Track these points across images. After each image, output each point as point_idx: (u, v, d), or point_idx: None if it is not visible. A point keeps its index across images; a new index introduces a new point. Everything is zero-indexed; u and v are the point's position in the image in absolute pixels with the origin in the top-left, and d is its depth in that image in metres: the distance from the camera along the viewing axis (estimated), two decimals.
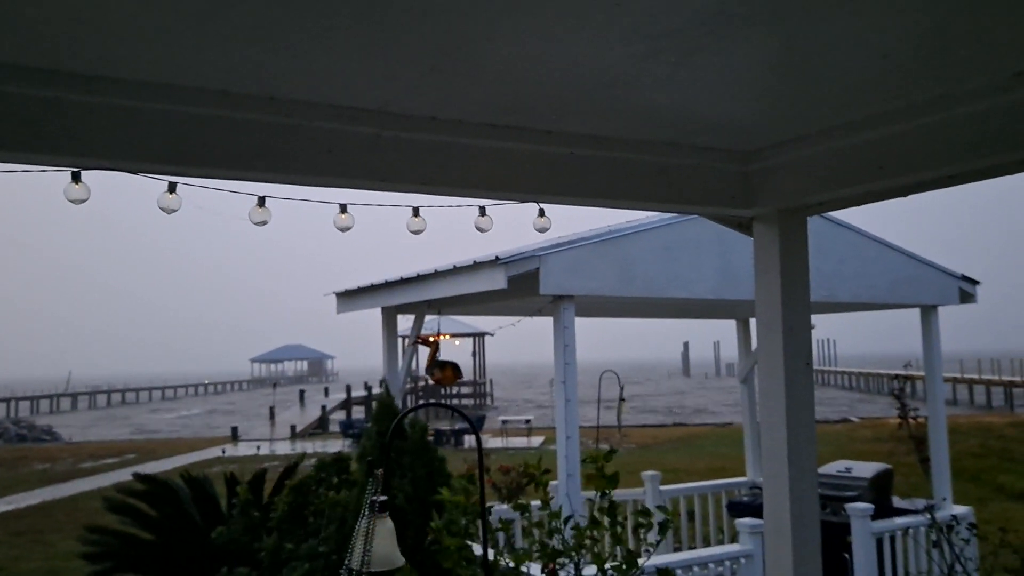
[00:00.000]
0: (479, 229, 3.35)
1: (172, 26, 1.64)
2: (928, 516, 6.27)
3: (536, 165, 2.40)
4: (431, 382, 6.97)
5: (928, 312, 7.76)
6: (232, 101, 2.00)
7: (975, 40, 1.85)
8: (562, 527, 4.22)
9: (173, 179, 2.57)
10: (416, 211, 3.40)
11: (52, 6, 1.52)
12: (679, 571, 5.57)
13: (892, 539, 6.83)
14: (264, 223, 2.91)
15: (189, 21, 1.62)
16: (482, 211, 3.36)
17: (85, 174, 2.40)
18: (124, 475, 18.07)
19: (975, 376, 47.15)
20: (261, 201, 2.95)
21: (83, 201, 2.38)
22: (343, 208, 3.22)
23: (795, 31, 1.78)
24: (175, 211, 2.59)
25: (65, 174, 2.34)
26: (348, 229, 3.22)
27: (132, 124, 1.93)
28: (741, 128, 2.49)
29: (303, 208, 5.61)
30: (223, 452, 25.74)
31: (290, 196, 2.97)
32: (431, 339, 6.81)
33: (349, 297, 8.69)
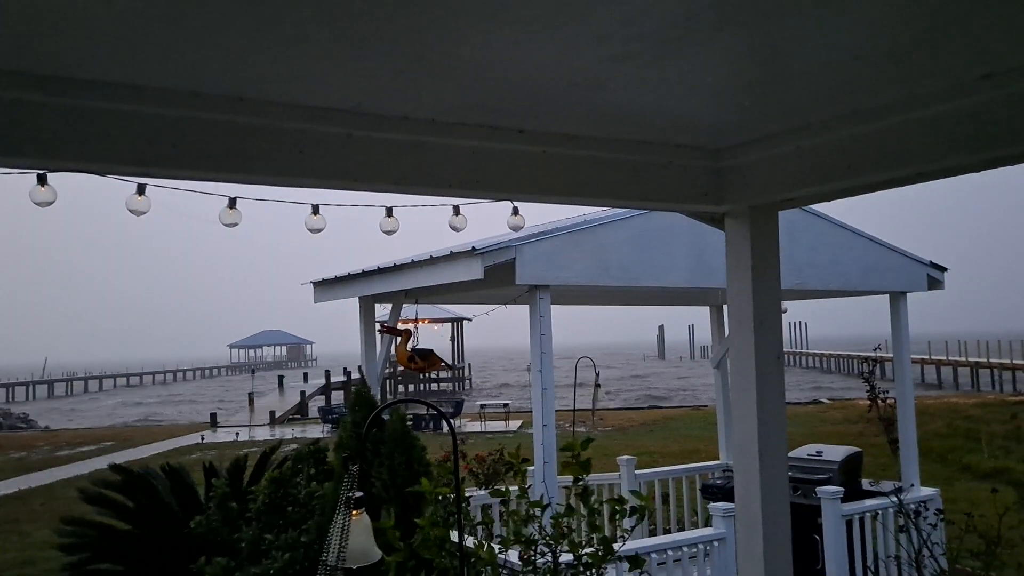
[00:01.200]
0: (453, 228, 3.35)
1: (141, 27, 1.63)
2: (896, 500, 6.40)
3: (509, 164, 2.41)
4: (410, 369, 6.97)
5: (897, 298, 7.88)
6: (202, 102, 1.99)
7: (942, 43, 1.88)
8: (539, 515, 4.27)
9: (142, 180, 2.54)
10: (389, 211, 3.40)
11: (15, 6, 1.50)
12: (654, 555, 5.64)
13: (861, 521, 6.96)
14: (235, 225, 2.89)
15: (158, 22, 1.61)
16: (456, 210, 3.36)
17: (52, 175, 2.37)
18: (101, 463, 17.95)
19: (943, 358, 47.93)
20: (232, 203, 2.92)
21: (50, 204, 2.34)
22: (315, 209, 3.20)
23: (764, 34, 1.80)
24: (144, 213, 2.56)
25: (30, 176, 2.31)
26: (320, 231, 3.21)
27: (100, 126, 1.91)
28: (712, 126, 2.51)
29: (277, 205, 5.55)
30: (202, 439, 25.62)
31: (262, 197, 2.95)
32: (400, 328, 6.79)
33: (326, 286, 8.66)
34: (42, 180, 2.36)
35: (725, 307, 9.03)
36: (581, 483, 4.16)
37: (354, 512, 2.50)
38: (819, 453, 7.90)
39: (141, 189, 2.59)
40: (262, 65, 1.86)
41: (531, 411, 6.54)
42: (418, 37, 1.72)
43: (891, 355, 8.25)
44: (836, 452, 7.91)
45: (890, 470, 10.81)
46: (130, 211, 2.56)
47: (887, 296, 7.96)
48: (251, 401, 39.78)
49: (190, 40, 1.70)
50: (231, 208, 2.92)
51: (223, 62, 1.83)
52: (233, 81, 1.95)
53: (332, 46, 1.76)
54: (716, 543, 6.09)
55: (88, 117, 1.89)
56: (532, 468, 6.06)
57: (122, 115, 1.91)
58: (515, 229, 3.57)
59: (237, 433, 27.03)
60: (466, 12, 1.60)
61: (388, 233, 3.41)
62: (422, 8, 1.58)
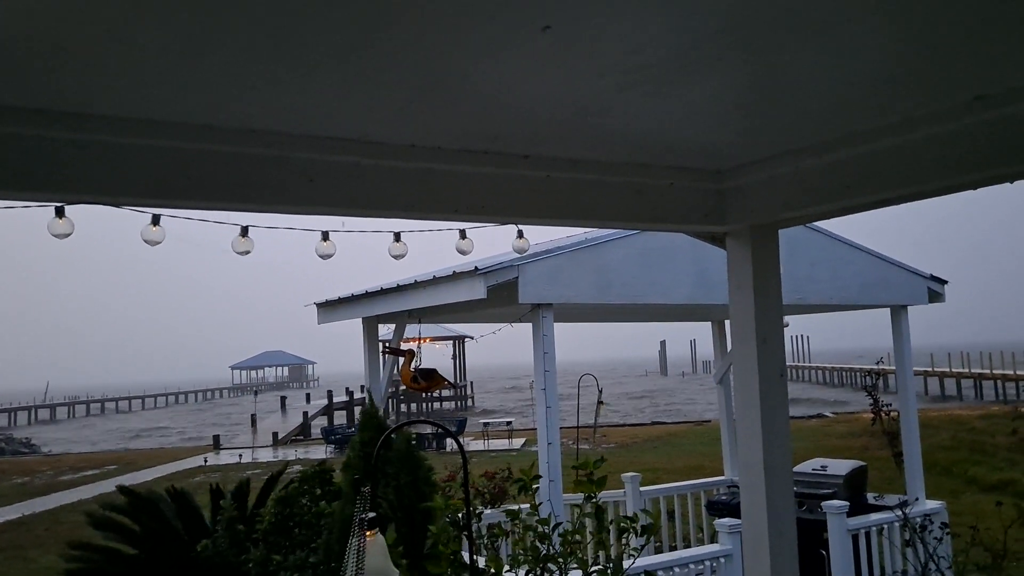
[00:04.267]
0: (461, 252, 3.40)
1: (157, 65, 1.68)
2: (900, 514, 6.41)
3: (514, 188, 2.46)
4: (413, 389, 6.99)
5: (898, 312, 7.92)
6: (214, 135, 2.04)
7: (938, 66, 1.94)
8: (550, 533, 4.28)
9: (157, 211, 2.60)
10: (397, 236, 3.45)
11: (37, 47, 1.56)
12: (661, 572, 5.65)
13: (867, 535, 6.96)
14: (247, 252, 2.93)
15: (174, 60, 1.66)
16: (463, 234, 3.41)
17: (68, 207, 2.42)
18: (105, 487, 17.93)
19: (946, 369, 47.85)
20: (244, 231, 2.98)
21: (67, 235, 2.40)
22: (325, 236, 3.25)
23: (763, 62, 1.86)
24: (159, 243, 2.62)
25: (48, 208, 2.37)
26: (330, 256, 3.26)
27: (116, 159, 1.96)
28: (713, 149, 2.57)
29: (281, 230, 5.60)
30: (205, 461, 25.58)
31: (274, 225, 3.01)
32: (403, 349, 6.83)
33: (330, 307, 8.71)
34: (60, 213, 2.41)
35: (727, 322, 9.07)
36: (594, 501, 4.18)
37: (368, 533, 2.53)
38: (824, 468, 7.92)
39: (156, 220, 2.65)
40: (273, 98, 1.91)
41: (534, 429, 6.56)
42: (424, 70, 1.78)
43: (894, 367, 8.27)
44: (841, 466, 7.93)
45: (895, 483, 10.80)
46: (145, 241, 2.62)
47: (889, 309, 8.00)
48: (253, 422, 39.72)
49: (204, 76, 1.75)
50: (243, 236, 2.97)
51: (236, 96, 1.89)
52: (245, 114, 2.00)
53: (341, 79, 1.81)
54: (722, 559, 6.09)
55: (105, 151, 1.94)
56: (536, 486, 6.07)
57: (137, 149, 1.96)
58: (520, 252, 3.62)
59: (240, 455, 26.97)
60: (471, 45, 1.66)
61: (397, 258, 3.46)
62: (428, 42, 1.63)
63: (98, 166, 1.93)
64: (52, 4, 1.37)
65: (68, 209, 2.38)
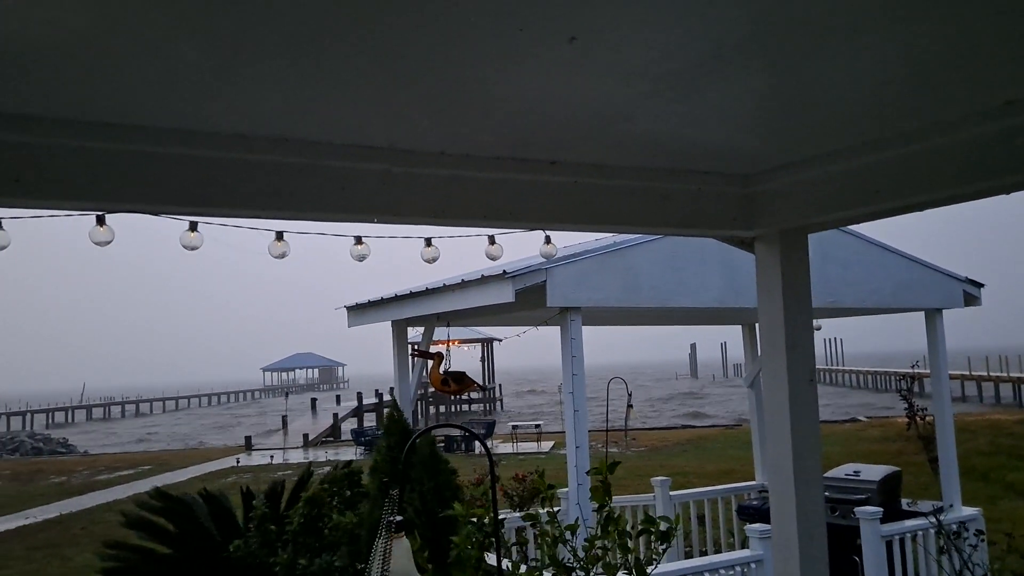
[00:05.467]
0: (490, 257, 3.42)
1: (193, 77, 1.73)
2: (935, 520, 6.31)
3: (542, 194, 2.48)
4: (443, 392, 7.03)
5: (932, 315, 7.80)
6: (247, 144, 2.08)
7: (967, 70, 1.92)
8: (572, 539, 4.29)
9: (193, 219, 2.66)
10: (428, 241, 3.48)
11: (80, 61, 1.61)
12: None
13: (902, 542, 6.87)
14: (283, 256, 3.00)
15: (210, 73, 1.71)
16: (491, 240, 3.43)
17: (109, 215, 2.49)
18: (139, 487, 18.22)
19: (983, 373, 46.96)
20: (279, 235, 3.04)
21: (108, 243, 2.47)
22: (358, 240, 3.30)
23: (791, 68, 1.86)
24: (196, 248, 2.68)
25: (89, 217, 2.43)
26: (365, 258, 3.30)
27: (154, 169, 2.01)
28: (741, 154, 2.56)
29: (309, 236, 5.66)
30: (237, 462, 25.89)
31: (305, 231, 3.06)
32: (432, 352, 6.87)
33: (360, 311, 8.79)
34: (100, 221, 2.48)
35: (758, 325, 9.01)
36: (606, 508, 4.17)
37: (395, 536, 2.57)
38: (857, 473, 7.83)
39: (193, 226, 2.71)
40: (305, 107, 1.95)
41: (563, 431, 6.56)
42: (454, 79, 1.80)
43: (929, 371, 8.15)
44: (874, 472, 7.83)
45: (931, 489, 10.64)
46: (184, 246, 2.68)
47: (923, 313, 7.90)
48: (284, 424, 40.12)
49: (239, 87, 1.80)
50: (278, 240, 3.03)
51: (269, 106, 1.93)
52: (278, 123, 2.04)
53: (372, 88, 1.85)
54: (753, 565, 6.04)
55: (144, 161, 1.99)
56: (566, 490, 6.08)
57: (175, 159, 2.01)
58: (547, 257, 3.64)
59: (272, 456, 27.27)
60: (498, 55, 1.68)
61: (429, 262, 3.50)
62: (458, 52, 1.66)
63: (137, 175, 1.99)
64: (94, 21, 1.42)
65: (107, 217, 2.46)
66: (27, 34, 1.45)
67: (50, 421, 63.73)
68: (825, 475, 7.83)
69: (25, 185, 1.85)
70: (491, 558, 3.88)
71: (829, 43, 1.72)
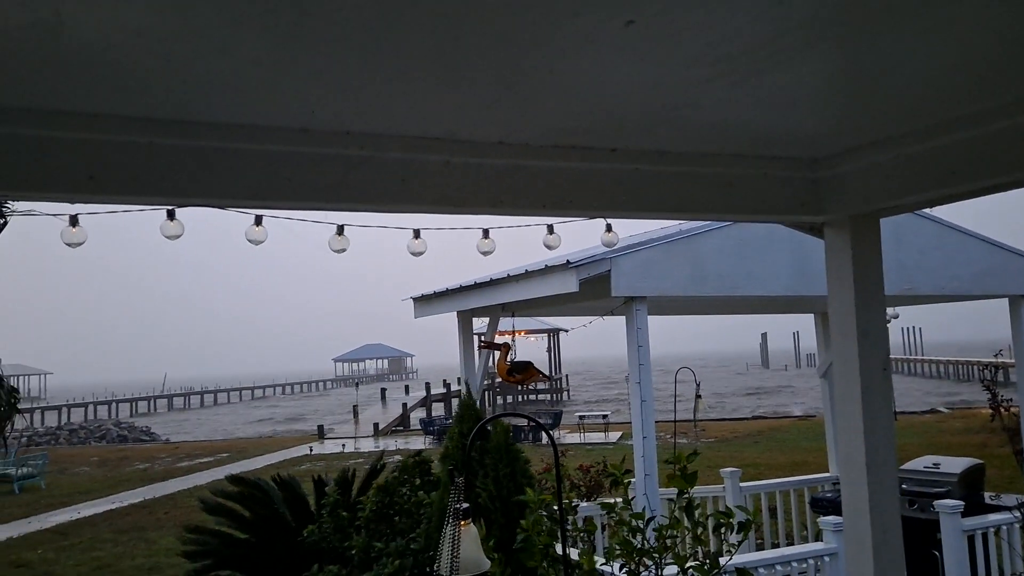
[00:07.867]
0: (548, 247, 3.41)
1: (256, 73, 1.77)
2: (1020, 515, 6.06)
3: (602, 182, 2.45)
4: (509, 382, 7.07)
5: (1017, 302, 7.47)
6: (311, 137, 2.12)
7: None
8: (643, 527, 4.26)
9: (258, 212, 2.72)
10: (486, 232, 3.49)
11: (150, 61, 1.66)
12: (762, 570, 5.52)
13: (984, 537, 6.62)
14: (343, 251, 3.04)
15: (272, 68, 1.74)
16: (550, 229, 3.43)
17: (179, 210, 2.57)
18: (218, 473, 18.86)
19: None
20: (340, 229, 3.09)
21: (178, 236, 2.56)
22: (416, 233, 3.33)
23: (856, 50, 1.79)
24: (262, 242, 2.75)
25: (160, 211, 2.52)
26: (421, 254, 3.34)
27: (220, 163, 2.07)
28: (808, 138, 2.49)
29: (377, 229, 5.74)
30: (310, 450, 26.56)
31: (367, 223, 3.09)
32: (498, 343, 6.90)
33: (425, 302, 8.89)
34: (171, 215, 2.57)
35: (829, 314, 8.77)
36: (686, 497, 4.13)
37: (462, 523, 2.59)
38: (936, 465, 7.56)
39: (258, 220, 2.78)
40: (366, 100, 1.97)
41: (630, 422, 6.52)
42: (511, 67, 1.80)
43: (1013, 360, 7.81)
44: (955, 464, 7.55)
45: (1016, 483, 10.21)
46: (249, 240, 2.76)
47: (1005, 300, 7.57)
48: (355, 413, 40.92)
49: (301, 82, 1.83)
50: (339, 235, 3.08)
51: (331, 100, 1.96)
52: (340, 117, 2.07)
53: (430, 80, 1.86)
54: (827, 558, 5.90)
55: (210, 156, 2.05)
56: (633, 480, 6.04)
57: (241, 153, 2.06)
58: (609, 246, 3.61)
59: (343, 445, 27.88)
60: (557, 42, 1.67)
61: (485, 254, 3.51)
62: (515, 39, 1.65)
63: (203, 170, 2.04)
64: (162, 23, 1.47)
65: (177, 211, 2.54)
66: (98, 37, 1.51)
67: (134, 410, 66.38)
68: (903, 468, 7.61)
69: (99, 181, 1.92)
70: (561, 547, 3.89)
71: (899, 22, 1.65)
